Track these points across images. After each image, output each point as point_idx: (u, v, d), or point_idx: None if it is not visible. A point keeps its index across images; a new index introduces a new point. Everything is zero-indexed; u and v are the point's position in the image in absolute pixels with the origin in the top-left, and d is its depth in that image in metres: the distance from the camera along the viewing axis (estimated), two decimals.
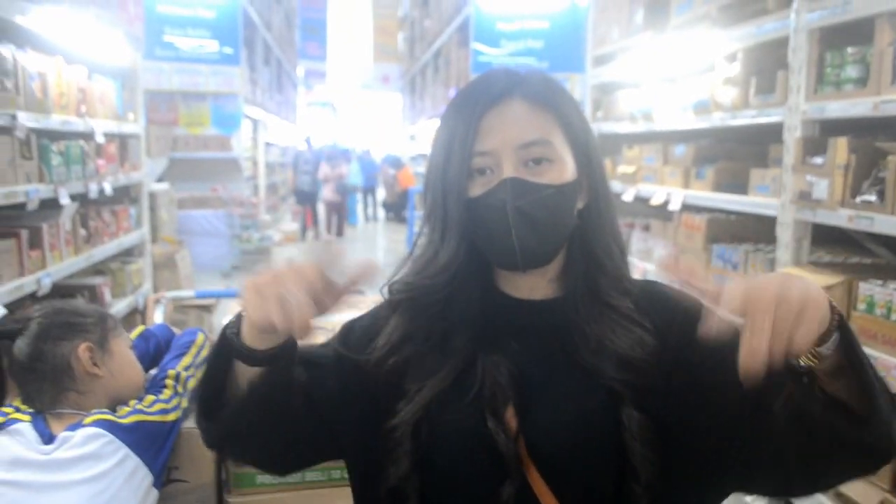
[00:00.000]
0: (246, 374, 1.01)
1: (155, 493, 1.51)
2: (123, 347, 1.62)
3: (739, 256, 3.52)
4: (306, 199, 13.43)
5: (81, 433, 1.43)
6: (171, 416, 1.53)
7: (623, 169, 4.62)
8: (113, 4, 4.17)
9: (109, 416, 1.47)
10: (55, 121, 3.74)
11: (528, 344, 1.09)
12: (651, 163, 4.34)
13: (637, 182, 4.41)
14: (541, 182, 1.04)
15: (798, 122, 3.00)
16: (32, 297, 3.54)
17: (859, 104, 2.67)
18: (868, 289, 2.66)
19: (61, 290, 3.82)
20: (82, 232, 4.11)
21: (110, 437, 1.43)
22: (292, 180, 14.04)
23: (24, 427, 1.46)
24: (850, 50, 2.77)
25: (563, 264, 1.13)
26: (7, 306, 3.07)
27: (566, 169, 1.07)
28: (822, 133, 3.01)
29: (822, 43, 2.92)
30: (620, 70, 4.76)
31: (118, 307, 4.54)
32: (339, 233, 13.64)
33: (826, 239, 3.39)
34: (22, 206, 3.43)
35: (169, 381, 1.57)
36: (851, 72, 2.77)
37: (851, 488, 2.66)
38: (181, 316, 5.61)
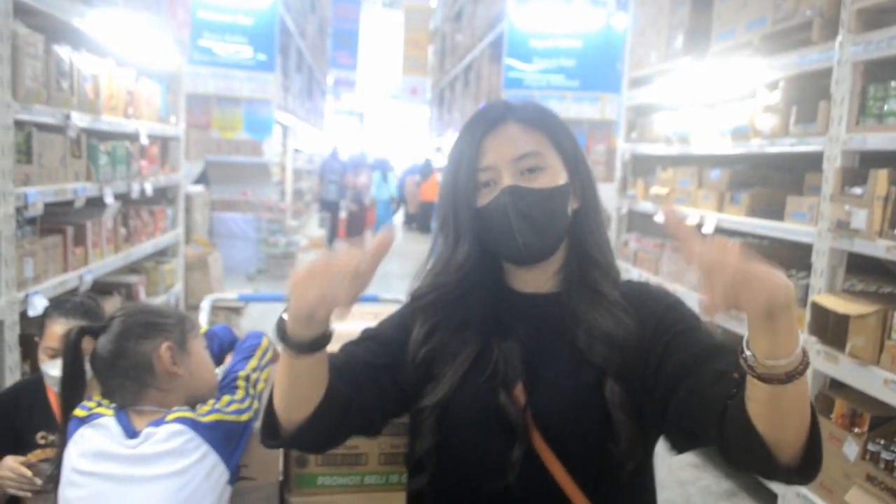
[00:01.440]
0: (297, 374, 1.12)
1: (229, 489, 1.56)
2: (200, 348, 1.67)
3: None
4: (331, 208, 13.44)
5: (165, 429, 1.48)
6: (245, 416, 1.58)
7: (656, 190, 4.65)
8: (164, 10, 4.28)
9: (190, 414, 1.52)
10: (104, 121, 3.84)
11: (534, 330, 1.29)
12: (685, 185, 4.36)
13: (670, 203, 4.43)
14: (535, 187, 1.24)
15: (838, 152, 3.02)
16: (73, 293, 3.63)
17: None
18: None
19: (99, 288, 3.92)
20: (122, 231, 4.21)
21: (192, 433, 1.48)
22: (318, 189, 14.06)
23: (108, 421, 1.51)
24: (893, 84, 2.80)
25: (562, 261, 1.32)
26: (50, 300, 3.15)
27: (557, 175, 1.27)
28: (862, 164, 3.02)
29: (866, 76, 2.94)
30: (658, 93, 4.79)
31: None
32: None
33: (858, 268, 3.39)
34: (69, 203, 3.52)
35: (241, 383, 1.62)
36: (894, 105, 2.79)
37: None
38: (211, 317, 5.70)
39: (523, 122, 1.28)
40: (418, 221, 15.00)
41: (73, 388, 1.62)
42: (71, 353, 1.60)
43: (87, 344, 1.62)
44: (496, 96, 11.22)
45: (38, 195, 3.09)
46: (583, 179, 1.32)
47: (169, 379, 1.57)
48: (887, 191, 2.79)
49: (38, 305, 3.00)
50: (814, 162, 3.25)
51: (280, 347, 1.10)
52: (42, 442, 2.20)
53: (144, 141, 4.41)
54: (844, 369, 2.89)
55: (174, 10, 4.53)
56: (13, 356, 2.92)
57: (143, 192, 4.40)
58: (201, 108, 9.95)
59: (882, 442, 2.76)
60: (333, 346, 1.14)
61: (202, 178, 7.55)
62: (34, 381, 2.32)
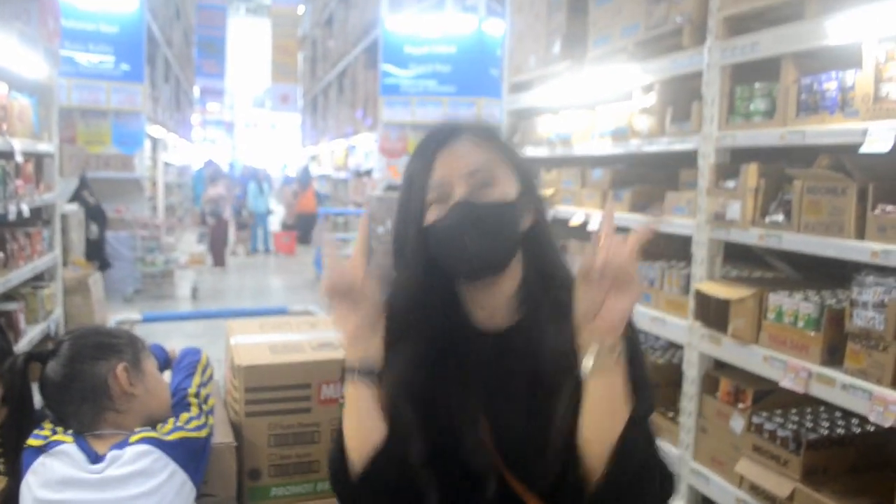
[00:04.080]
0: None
1: None
2: (153, 367, 1.65)
3: (656, 273, 3.78)
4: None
5: (131, 451, 1.46)
6: (204, 433, 1.57)
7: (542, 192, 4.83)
8: (34, 20, 4.07)
9: (154, 434, 1.50)
10: None
11: (497, 373, 1.29)
12: (569, 185, 4.58)
13: (555, 204, 4.63)
14: (487, 201, 1.25)
15: (712, 149, 3.28)
16: None
17: (767, 134, 2.97)
18: (777, 300, 2.94)
19: None
20: (0, 255, 3.97)
21: (159, 453, 1.47)
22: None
23: (69, 448, 1.47)
24: (757, 85, 3.07)
25: (520, 281, 1.32)
26: None
27: (509, 190, 1.28)
28: (733, 160, 3.30)
29: (733, 78, 3.21)
30: (538, 97, 5.00)
31: (32, 334, 4.39)
32: (217, 262, 12.02)
33: (733, 256, 3.69)
34: None
35: (192, 399, 1.61)
36: (760, 105, 3.07)
37: (765, 479, 2.93)
38: None
39: (475, 138, 1.30)
40: (298, 232, 14.80)
41: (21, 417, 1.56)
42: (18, 380, 1.55)
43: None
44: (373, 102, 11.27)
45: None
46: (535, 197, 1.33)
47: (126, 400, 1.55)
48: (757, 183, 3.06)
49: None
50: (688, 159, 3.51)
51: (348, 385, 1.23)
52: None
53: (19, 159, 4.17)
54: (727, 350, 3.15)
55: (45, 20, 4.32)
56: None
57: (19, 213, 4.17)
58: (64, 122, 9.44)
59: (765, 414, 3.03)
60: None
61: (76, 196, 7.18)
62: None
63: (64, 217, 5.54)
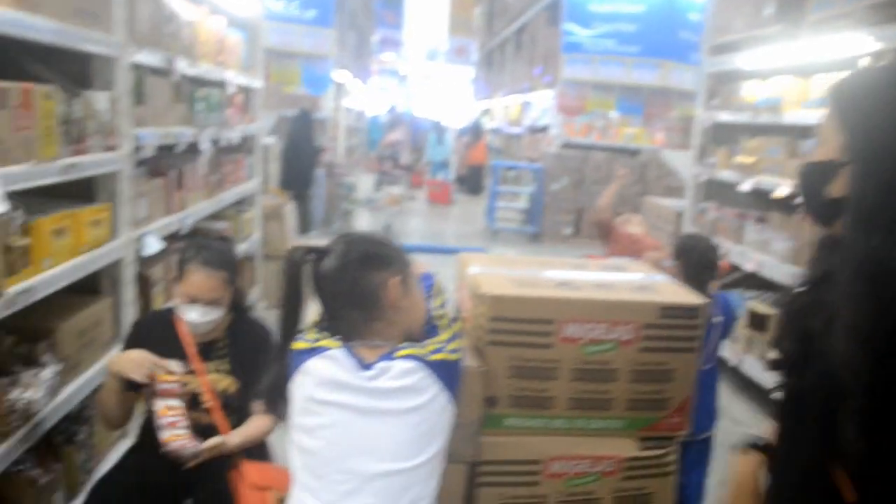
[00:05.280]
0: None
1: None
2: (417, 283, 1.67)
3: None
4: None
5: (398, 366, 1.50)
6: (458, 355, 1.58)
7: (741, 159, 4.61)
8: None
9: (419, 351, 1.52)
10: (202, 68, 3.90)
11: None
12: (775, 155, 4.32)
13: (756, 174, 4.40)
14: None
15: None
16: (174, 237, 3.72)
17: None
18: None
19: (195, 234, 4.00)
20: (213, 178, 4.28)
21: (425, 371, 1.50)
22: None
23: (338, 353, 1.53)
24: None
25: None
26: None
27: None
28: None
29: None
30: (744, 60, 4.73)
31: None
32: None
33: None
34: (168, 147, 3.59)
35: (443, 322, 1.63)
36: None
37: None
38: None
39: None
40: (468, 183, 14.95)
41: (292, 309, 1.64)
42: (293, 273, 1.60)
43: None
44: (553, 59, 11.11)
45: (150, 137, 3.16)
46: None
47: (394, 312, 1.57)
48: None
49: (151, 245, 3.10)
50: None
51: None
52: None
53: (232, 89, 4.46)
54: None
55: None
56: (130, 292, 3.03)
57: (230, 140, 4.47)
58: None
59: None
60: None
61: (274, 131, 7.62)
62: (165, 315, 2.42)
63: (264, 148, 5.89)
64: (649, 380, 1.77)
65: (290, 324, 1.64)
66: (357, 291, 1.56)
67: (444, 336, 1.59)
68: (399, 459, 1.48)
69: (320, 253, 1.60)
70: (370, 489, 1.47)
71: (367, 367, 1.52)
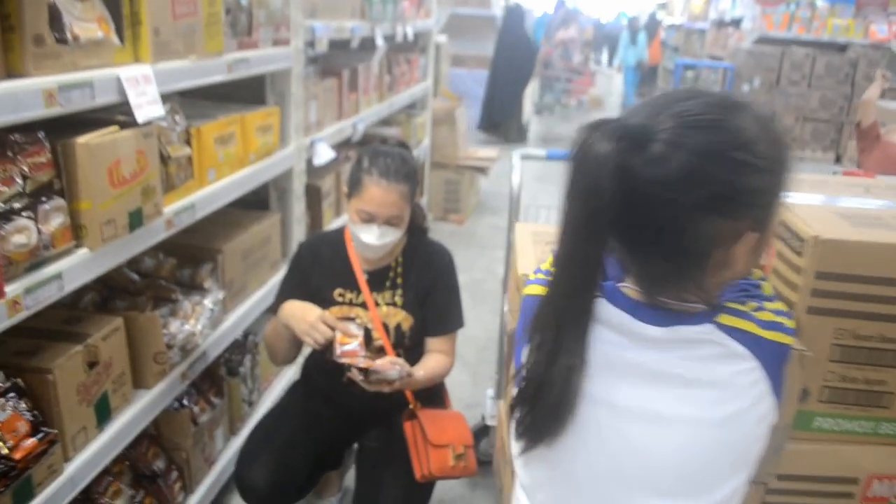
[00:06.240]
0: None
1: None
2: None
3: None
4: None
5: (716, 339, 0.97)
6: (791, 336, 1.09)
7: None
8: None
9: (747, 325, 0.99)
10: None
11: None
12: None
13: None
14: None
15: None
16: (345, 145, 3.40)
17: None
18: None
19: (368, 141, 3.67)
20: (387, 78, 3.90)
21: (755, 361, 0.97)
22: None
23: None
24: None
25: None
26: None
27: None
28: None
29: None
30: None
31: None
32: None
33: None
34: (341, 44, 3.21)
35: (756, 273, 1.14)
36: None
37: None
38: (455, 175, 5.43)
39: None
40: (643, 84, 13.81)
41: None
42: (601, 170, 0.89)
43: None
44: None
45: (323, 30, 2.79)
46: None
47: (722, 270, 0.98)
48: None
49: (322, 154, 2.77)
50: None
51: None
52: (339, 299, 1.99)
53: None
54: None
55: None
56: (300, 206, 2.73)
57: (405, 36, 4.05)
58: None
59: None
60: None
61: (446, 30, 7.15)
62: (336, 236, 2.09)
63: (437, 47, 5.44)
64: None
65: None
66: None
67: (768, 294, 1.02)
68: (685, 495, 0.96)
69: (634, 135, 0.89)
70: None
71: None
